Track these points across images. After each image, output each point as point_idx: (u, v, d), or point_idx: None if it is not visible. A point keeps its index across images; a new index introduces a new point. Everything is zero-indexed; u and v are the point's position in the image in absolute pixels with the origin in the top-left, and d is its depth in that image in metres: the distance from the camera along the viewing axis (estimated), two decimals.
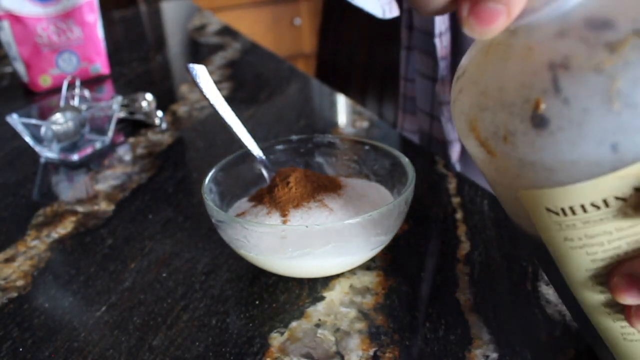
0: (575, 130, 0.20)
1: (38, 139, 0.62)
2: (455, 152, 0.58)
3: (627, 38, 0.19)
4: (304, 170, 0.42)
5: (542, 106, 0.20)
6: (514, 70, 0.21)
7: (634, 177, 0.20)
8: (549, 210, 0.22)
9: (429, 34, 0.57)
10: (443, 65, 0.55)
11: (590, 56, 0.20)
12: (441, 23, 0.54)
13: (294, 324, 0.37)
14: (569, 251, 0.23)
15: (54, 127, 0.62)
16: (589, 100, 0.19)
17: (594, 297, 0.24)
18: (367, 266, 0.42)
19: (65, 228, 0.49)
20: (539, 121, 0.20)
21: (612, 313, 0.24)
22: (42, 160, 0.63)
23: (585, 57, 0.20)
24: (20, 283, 0.42)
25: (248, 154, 0.45)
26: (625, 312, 0.23)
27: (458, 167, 0.58)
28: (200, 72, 0.48)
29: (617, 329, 0.25)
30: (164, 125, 0.71)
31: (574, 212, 0.21)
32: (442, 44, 0.54)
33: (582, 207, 0.21)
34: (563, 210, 0.21)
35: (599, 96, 0.19)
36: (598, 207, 0.21)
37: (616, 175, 0.20)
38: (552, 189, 0.21)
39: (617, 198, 0.20)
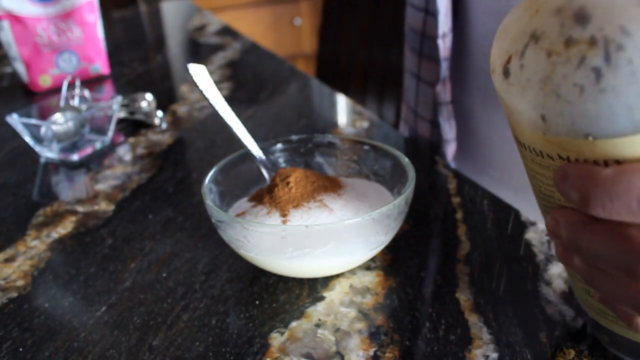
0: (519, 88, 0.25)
1: (38, 139, 0.62)
2: (450, 152, 0.59)
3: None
4: (304, 170, 0.42)
5: (511, 62, 0.25)
6: (515, 26, 0.25)
7: (556, 145, 0.24)
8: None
9: (424, 34, 0.57)
10: (445, 66, 0.56)
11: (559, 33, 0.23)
12: (444, 24, 0.54)
13: (294, 324, 0.37)
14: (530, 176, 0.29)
15: (54, 127, 0.62)
16: (531, 75, 0.24)
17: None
18: (367, 266, 0.42)
19: (65, 228, 0.49)
20: (506, 72, 0.25)
21: None
22: (42, 160, 0.63)
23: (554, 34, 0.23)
24: (20, 283, 0.42)
25: (248, 154, 0.45)
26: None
27: (453, 166, 0.59)
28: (200, 72, 0.48)
29: None
30: (164, 125, 0.71)
31: (522, 146, 0.27)
32: (444, 44, 0.55)
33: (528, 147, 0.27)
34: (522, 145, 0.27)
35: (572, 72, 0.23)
36: (538, 154, 0.26)
37: (545, 137, 0.25)
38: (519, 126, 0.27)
39: (548, 155, 0.25)
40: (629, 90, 0.21)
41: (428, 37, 0.57)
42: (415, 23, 0.59)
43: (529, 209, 0.52)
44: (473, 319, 0.36)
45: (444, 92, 0.57)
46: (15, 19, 0.81)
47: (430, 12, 0.55)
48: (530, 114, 0.24)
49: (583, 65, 0.22)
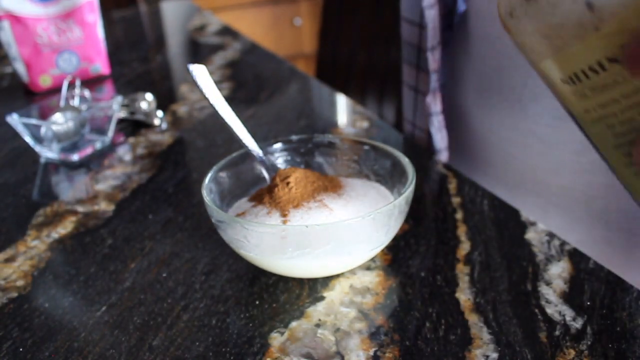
0: None
1: (38, 139, 0.62)
2: (442, 160, 0.60)
3: None
4: (304, 170, 0.42)
5: None
6: None
7: (616, 34, 0.20)
8: (562, 81, 0.23)
9: (420, 48, 0.59)
10: (434, 78, 0.57)
11: None
12: (433, 38, 0.55)
13: (294, 324, 0.37)
14: (592, 125, 0.23)
15: (54, 127, 0.62)
16: None
17: (625, 170, 0.24)
18: (367, 266, 0.42)
19: (65, 228, 0.49)
20: None
21: None
22: (42, 160, 0.63)
23: None
24: (20, 283, 0.42)
25: (248, 154, 0.45)
26: None
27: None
28: (200, 72, 0.48)
29: None
30: (164, 125, 0.71)
31: (579, 79, 0.22)
32: (434, 57, 0.56)
33: (584, 72, 0.22)
34: (571, 78, 0.23)
35: None
36: (597, 72, 0.22)
37: (600, 34, 0.21)
38: (555, 56, 0.23)
39: (609, 60, 0.21)
40: None
41: (424, 50, 0.58)
42: (411, 38, 0.61)
43: (525, 206, 0.52)
44: (473, 319, 0.36)
45: (434, 103, 0.58)
46: (15, 19, 0.81)
47: (424, 26, 0.56)
48: (571, 16, 0.21)
49: None
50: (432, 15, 0.55)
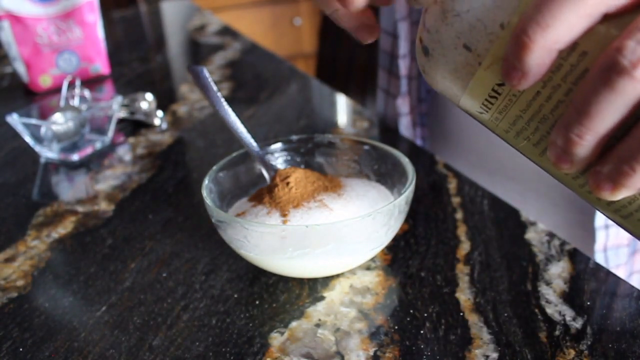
0: (438, 46, 0.25)
1: (38, 139, 0.62)
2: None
3: None
4: (304, 170, 0.42)
5: (422, 39, 0.26)
6: None
7: (495, 63, 0.23)
8: (478, 112, 0.26)
9: (393, 55, 0.66)
10: (404, 83, 0.63)
11: None
12: (404, 47, 0.61)
13: (294, 324, 0.37)
14: (515, 141, 0.25)
15: (54, 127, 0.62)
16: (435, 23, 0.24)
17: (557, 172, 0.26)
18: (367, 266, 0.42)
19: (65, 228, 0.49)
20: (424, 50, 0.26)
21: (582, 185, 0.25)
22: (42, 160, 0.63)
23: None
24: (20, 283, 0.42)
25: (248, 154, 0.45)
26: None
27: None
28: (201, 73, 0.48)
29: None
30: (164, 125, 0.71)
31: (487, 107, 0.25)
32: (404, 64, 0.62)
33: (487, 101, 0.24)
34: (482, 108, 0.25)
35: (439, 17, 0.24)
36: (495, 97, 0.24)
37: (484, 67, 0.23)
38: (464, 94, 0.25)
39: (498, 85, 0.23)
40: None
41: (396, 57, 0.65)
42: (385, 46, 0.67)
43: (505, 191, 0.56)
44: (473, 319, 0.36)
45: (404, 105, 0.64)
46: (15, 19, 0.81)
47: (396, 36, 0.62)
48: (458, 60, 0.24)
49: None
50: (404, 27, 0.60)
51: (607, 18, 0.20)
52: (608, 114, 0.19)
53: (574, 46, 0.21)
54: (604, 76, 0.19)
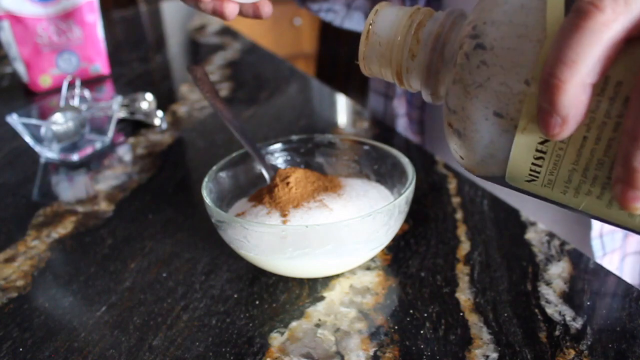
0: (469, 123, 0.24)
1: (38, 139, 0.62)
2: None
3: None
4: (304, 170, 0.42)
5: (451, 123, 0.25)
6: None
7: (531, 122, 0.22)
8: (528, 178, 0.24)
9: None
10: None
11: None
12: None
13: (294, 324, 0.37)
14: (577, 201, 0.23)
15: (54, 127, 0.62)
16: (459, 101, 0.24)
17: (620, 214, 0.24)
18: (367, 266, 0.42)
19: (65, 228, 0.49)
20: (457, 133, 0.25)
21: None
22: (42, 160, 0.63)
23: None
24: (20, 283, 0.42)
25: (248, 154, 0.45)
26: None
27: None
28: (201, 73, 0.48)
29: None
30: (164, 125, 0.71)
31: (537, 172, 0.23)
32: None
33: (535, 164, 0.23)
34: (532, 173, 0.24)
35: (461, 94, 0.24)
36: (542, 157, 0.23)
37: (521, 129, 0.22)
38: (508, 166, 0.24)
39: (540, 143, 0.22)
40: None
41: None
42: None
43: (502, 188, 0.55)
44: (473, 319, 0.36)
45: (401, 106, 0.65)
46: (15, 19, 0.81)
47: None
48: (496, 129, 0.23)
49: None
50: None
51: (632, 42, 0.20)
52: None
53: (606, 79, 0.20)
54: None
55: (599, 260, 0.55)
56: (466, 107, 0.23)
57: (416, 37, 0.26)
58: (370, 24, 0.27)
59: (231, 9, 0.42)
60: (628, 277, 0.60)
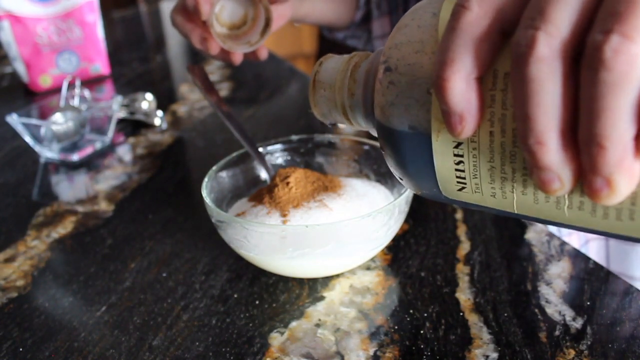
0: (390, 139, 0.25)
1: (38, 139, 0.62)
2: None
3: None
4: (304, 170, 0.42)
5: (383, 149, 0.27)
6: None
7: (443, 127, 0.23)
8: (458, 186, 0.25)
9: None
10: None
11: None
12: None
13: (294, 324, 0.37)
14: (507, 202, 0.24)
15: (54, 127, 0.62)
16: (379, 117, 0.26)
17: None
18: (367, 266, 0.42)
19: (65, 228, 0.49)
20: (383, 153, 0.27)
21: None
22: (42, 160, 0.63)
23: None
24: (20, 283, 0.42)
25: (248, 154, 0.45)
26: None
27: None
28: (200, 73, 0.48)
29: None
30: (164, 125, 0.71)
31: (462, 177, 0.24)
32: None
33: (458, 170, 0.24)
34: (459, 180, 0.24)
35: (379, 113, 0.25)
36: (462, 161, 0.23)
37: (434, 137, 0.23)
38: (436, 177, 0.25)
39: (456, 147, 0.23)
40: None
41: None
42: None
43: None
44: (473, 319, 0.36)
45: None
46: (15, 19, 0.81)
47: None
48: (412, 144, 0.25)
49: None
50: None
51: (507, 35, 0.20)
52: (543, 104, 0.18)
53: (494, 73, 0.21)
54: (517, 74, 0.19)
55: None
56: (387, 127, 0.25)
57: (353, 78, 0.28)
58: (315, 74, 0.29)
59: (237, 57, 0.52)
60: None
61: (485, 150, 0.22)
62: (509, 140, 0.21)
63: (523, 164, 0.21)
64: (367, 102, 0.28)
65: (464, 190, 0.25)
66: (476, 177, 0.23)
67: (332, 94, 0.29)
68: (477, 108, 0.21)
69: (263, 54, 0.53)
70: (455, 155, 0.23)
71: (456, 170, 0.24)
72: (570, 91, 0.18)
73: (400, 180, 0.27)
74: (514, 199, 0.23)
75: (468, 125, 0.21)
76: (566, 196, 0.21)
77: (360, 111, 0.28)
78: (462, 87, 0.20)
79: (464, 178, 0.24)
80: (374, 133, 0.29)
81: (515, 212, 0.24)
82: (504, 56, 0.21)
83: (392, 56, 0.24)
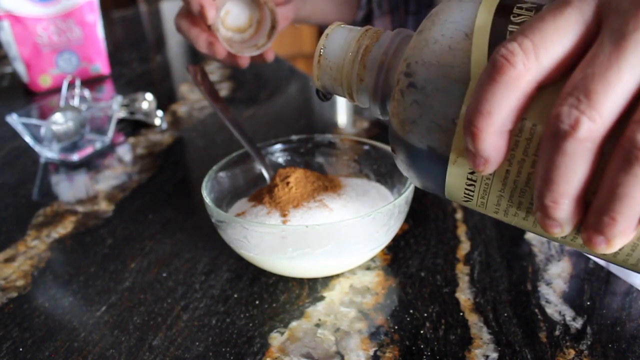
0: (405, 152, 0.26)
1: (38, 139, 0.62)
2: None
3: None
4: (304, 170, 0.42)
5: (394, 150, 0.27)
6: None
7: (462, 155, 0.24)
8: (463, 200, 0.26)
9: None
10: None
11: None
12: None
13: (294, 324, 0.37)
14: (507, 218, 0.25)
15: (54, 127, 0.62)
16: (397, 133, 0.26)
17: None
18: (367, 266, 0.42)
19: (65, 228, 0.49)
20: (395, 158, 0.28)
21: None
22: (42, 160, 0.63)
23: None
24: (20, 283, 0.42)
25: (248, 154, 0.45)
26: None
27: None
28: (200, 73, 0.48)
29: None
30: (164, 125, 0.71)
31: (470, 195, 0.25)
32: None
33: (467, 189, 0.25)
34: (465, 196, 0.25)
35: (399, 129, 0.25)
36: (473, 185, 0.24)
37: (452, 162, 0.24)
38: (445, 188, 0.26)
39: (471, 173, 0.24)
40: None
41: None
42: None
43: None
44: (473, 319, 0.36)
45: None
46: (15, 19, 0.81)
47: None
48: (428, 161, 0.25)
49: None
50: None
51: (542, 88, 0.21)
52: (569, 176, 0.20)
53: (522, 121, 0.21)
54: (552, 144, 0.20)
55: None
56: (404, 138, 0.25)
57: (363, 63, 0.27)
58: (322, 49, 0.29)
59: (244, 61, 0.52)
60: None
61: (498, 183, 0.23)
62: (522, 180, 0.23)
63: (530, 200, 0.23)
64: (377, 93, 0.27)
65: (468, 202, 0.26)
66: (483, 199, 0.25)
67: (338, 73, 0.28)
68: (503, 155, 0.22)
69: (270, 56, 0.53)
70: (468, 179, 0.24)
71: (466, 189, 0.25)
72: (594, 168, 0.20)
73: (405, 174, 0.28)
74: (514, 220, 0.25)
75: (490, 168, 0.22)
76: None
77: (368, 97, 0.28)
78: (493, 139, 0.21)
79: (472, 196, 0.25)
80: (376, 114, 0.29)
81: (513, 224, 0.25)
82: (535, 107, 0.21)
83: (419, 73, 0.24)
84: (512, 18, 0.22)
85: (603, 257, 0.24)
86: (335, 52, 0.28)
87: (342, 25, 0.29)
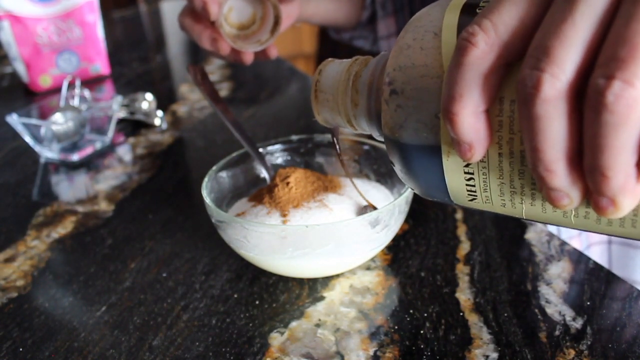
0: (401, 159, 0.26)
1: (38, 139, 0.62)
2: None
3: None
4: (304, 170, 0.42)
5: (394, 162, 0.27)
6: None
7: (453, 148, 0.23)
8: (469, 197, 0.26)
9: None
10: None
11: None
12: None
13: (294, 324, 0.37)
14: (516, 210, 0.25)
15: (54, 127, 0.62)
16: (390, 139, 0.26)
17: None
18: (367, 266, 0.42)
19: (65, 228, 0.49)
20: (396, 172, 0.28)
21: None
22: (42, 160, 0.63)
23: None
24: (20, 283, 0.42)
25: (248, 154, 0.45)
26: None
27: None
28: (200, 73, 0.48)
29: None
30: (164, 125, 0.71)
31: (473, 191, 0.25)
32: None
33: (468, 185, 0.25)
34: (469, 193, 0.25)
35: (390, 135, 0.26)
36: (472, 178, 0.24)
37: (445, 157, 0.24)
38: (448, 189, 0.26)
39: (466, 166, 0.24)
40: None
41: None
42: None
43: None
44: (473, 319, 0.36)
45: None
46: (15, 19, 0.81)
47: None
48: (425, 161, 0.25)
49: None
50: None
51: (513, 65, 0.21)
52: (551, 139, 0.20)
53: (501, 100, 0.21)
54: (525, 111, 0.20)
55: None
56: (396, 146, 0.26)
57: (355, 88, 0.28)
58: (316, 83, 0.29)
59: (248, 57, 0.53)
60: None
61: (494, 169, 0.23)
62: (517, 160, 0.22)
63: (531, 179, 0.23)
64: (372, 112, 0.28)
65: (474, 201, 0.26)
66: (486, 191, 0.24)
67: (334, 104, 0.29)
68: (485, 137, 0.22)
69: (273, 53, 0.54)
70: (465, 172, 0.24)
71: (467, 185, 0.25)
72: (574, 125, 0.19)
73: (412, 190, 0.28)
74: (523, 209, 0.24)
75: (477, 152, 0.22)
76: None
77: (365, 119, 0.29)
78: (470, 121, 0.21)
79: (475, 191, 0.25)
80: (378, 137, 0.29)
81: (525, 218, 0.25)
82: (509, 84, 0.21)
83: (397, 79, 0.24)
84: (477, 11, 0.23)
85: (628, 232, 0.22)
86: (329, 83, 0.29)
87: (334, 60, 0.30)
